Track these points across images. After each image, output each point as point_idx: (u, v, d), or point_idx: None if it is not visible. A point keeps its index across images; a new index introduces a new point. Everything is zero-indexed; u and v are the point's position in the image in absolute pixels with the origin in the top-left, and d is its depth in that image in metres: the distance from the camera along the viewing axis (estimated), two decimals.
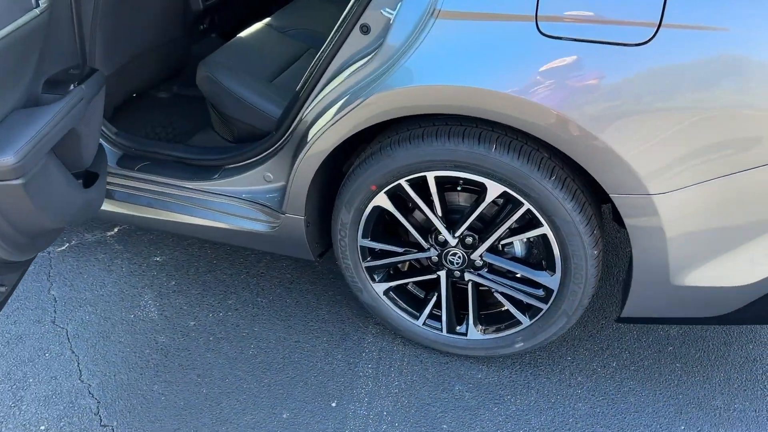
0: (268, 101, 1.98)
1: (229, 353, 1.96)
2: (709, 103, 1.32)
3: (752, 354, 1.94)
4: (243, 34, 2.36)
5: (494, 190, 1.56)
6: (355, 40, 1.57)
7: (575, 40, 1.33)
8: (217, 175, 1.96)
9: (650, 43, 1.29)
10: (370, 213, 1.72)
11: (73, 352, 1.96)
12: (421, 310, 1.87)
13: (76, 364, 1.93)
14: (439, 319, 1.86)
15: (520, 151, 1.50)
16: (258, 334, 2.02)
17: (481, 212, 1.64)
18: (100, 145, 1.91)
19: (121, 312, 2.10)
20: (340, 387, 1.86)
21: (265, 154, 1.86)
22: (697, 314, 1.62)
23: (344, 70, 1.60)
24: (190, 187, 1.98)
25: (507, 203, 1.63)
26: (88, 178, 1.70)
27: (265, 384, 1.87)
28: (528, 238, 1.70)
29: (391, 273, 1.89)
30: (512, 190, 1.54)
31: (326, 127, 1.60)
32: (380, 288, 1.86)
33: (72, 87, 1.50)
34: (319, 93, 1.66)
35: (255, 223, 1.91)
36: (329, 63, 1.63)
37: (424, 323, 1.88)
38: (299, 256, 1.96)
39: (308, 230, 1.85)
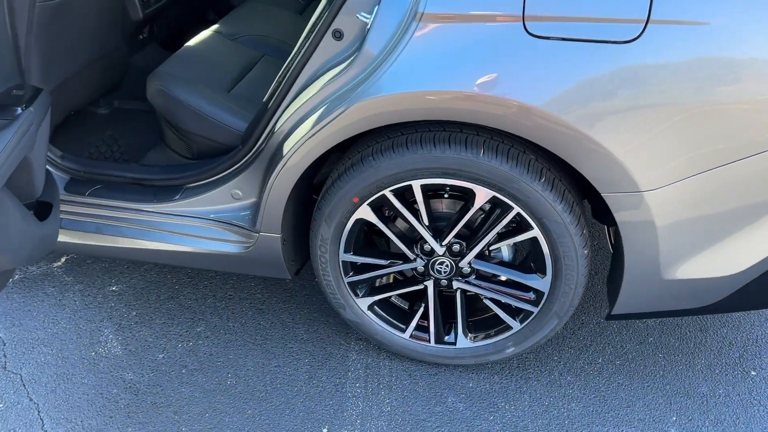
0: (230, 113, 1.86)
1: (205, 386, 1.83)
2: (696, 97, 1.32)
3: (727, 338, 1.98)
4: (191, 42, 2.22)
5: (483, 195, 1.51)
6: (328, 47, 1.48)
7: (564, 39, 1.30)
8: (178, 196, 1.83)
9: (639, 39, 1.28)
10: (352, 226, 1.64)
11: (31, 400, 1.78)
12: (407, 322, 1.81)
13: (36, 413, 1.75)
14: (426, 330, 1.80)
15: (508, 154, 1.46)
16: (234, 361, 1.90)
17: (469, 219, 1.59)
18: (47, 170, 1.74)
19: (80, 350, 1.93)
20: (329, 411, 1.77)
21: (231, 170, 1.75)
22: (686, 306, 1.63)
23: (318, 78, 1.52)
24: (150, 210, 1.84)
25: (495, 208, 1.59)
26: (41, 208, 1.54)
27: (249, 416, 1.76)
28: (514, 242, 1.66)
29: (374, 287, 1.82)
30: (502, 195, 1.50)
31: (304, 138, 1.51)
32: (364, 303, 1.79)
33: (19, 110, 1.35)
34: (290, 103, 1.57)
35: (225, 245, 1.80)
36: (300, 71, 1.54)
37: (410, 336, 1.81)
38: (273, 275, 1.86)
39: (284, 248, 1.75)
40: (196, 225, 1.81)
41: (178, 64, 2.07)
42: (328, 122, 1.46)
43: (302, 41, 1.56)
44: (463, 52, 1.34)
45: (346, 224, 1.64)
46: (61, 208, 1.89)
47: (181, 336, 1.98)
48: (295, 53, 1.56)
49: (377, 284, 1.83)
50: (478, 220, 1.65)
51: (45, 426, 1.72)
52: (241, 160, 1.72)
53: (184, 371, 1.87)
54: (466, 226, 1.61)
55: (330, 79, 1.47)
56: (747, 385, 1.83)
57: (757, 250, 1.50)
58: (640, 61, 1.29)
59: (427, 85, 1.37)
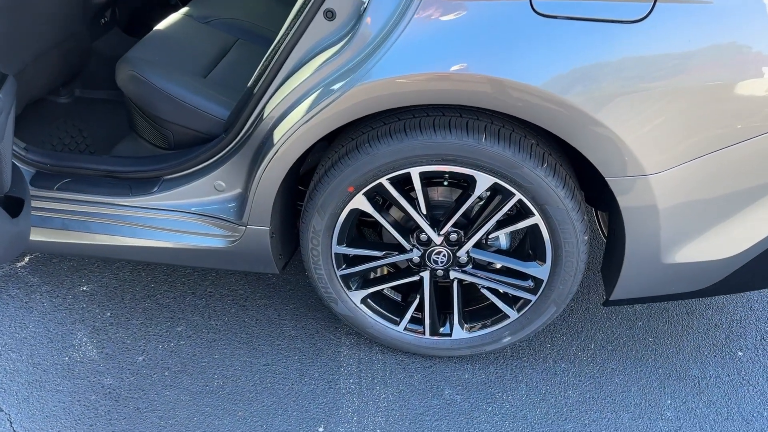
0: (210, 100, 1.76)
1: (191, 388, 1.74)
2: (701, 78, 1.30)
3: (713, 320, 2.00)
4: (161, 26, 2.10)
5: (484, 182, 1.47)
6: (319, 28, 1.41)
7: (571, 18, 1.26)
8: (156, 188, 1.72)
9: (647, 19, 1.25)
10: (346, 217, 1.57)
11: (2, 410, 1.66)
12: (401, 315, 1.75)
13: (8, 424, 1.63)
14: (420, 322, 1.75)
15: (511, 139, 1.41)
16: (220, 361, 1.81)
17: (467, 207, 1.54)
18: (13, 163, 1.61)
19: (52, 355, 1.81)
20: (323, 409, 1.70)
21: (213, 160, 1.66)
22: (684, 289, 1.63)
23: (309, 61, 1.44)
24: (126, 204, 1.73)
25: (495, 195, 1.55)
26: (11, 204, 1.42)
27: (240, 418, 1.67)
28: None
29: (367, 279, 1.75)
30: (503, 181, 1.45)
31: (297, 125, 1.43)
32: (357, 296, 1.72)
33: None
34: (279, 88, 1.48)
35: (208, 239, 1.70)
36: (288, 54, 1.46)
37: (405, 328, 1.76)
38: (260, 270, 1.77)
39: (273, 241, 1.67)
40: (177, 219, 1.71)
41: (148, 48, 1.95)
42: (324, 107, 1.39)
43: (290, 22, 1.47)
44: (467, 31, 1.29)
45: (340, 215, 1.57)
46: (39, 213, 1.76)
47: (161, 336, 1.88)
48: (283, 35, 1.47)
49: (371, 276, 1.76)
50: (477, 208, 1.61)
51: None
52: (225, 149, 1.63)
53: (167, 373, 1.77)
54: (464, 214, 1.57)
55: (323, 62, 1.39)
56: (735, 366, 1.85)
57: (755, 231, 1.50)
58: (648, 41, 1.26)
59: (429, 67, 1.31)
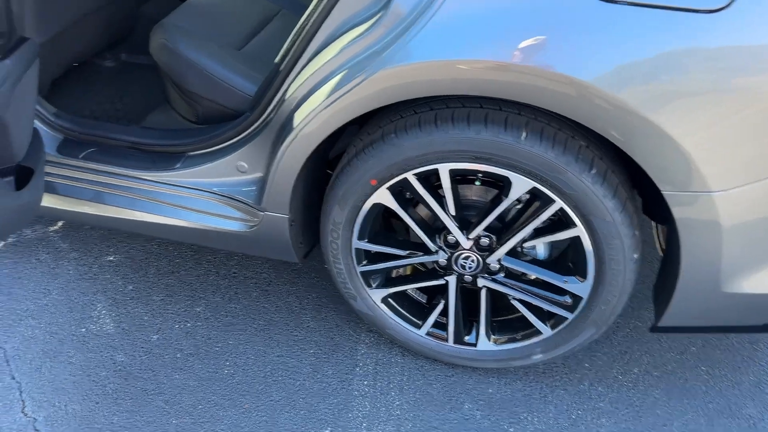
0: (239, 75, 1.67)
1: (200, 373, 1.68)
2: None
3: None
4: None
5: (521, 185, 1.31)
6: (350, 2, 1.27)
7: (636, 4, 1.07)
8: (179, 164, 1.65)
9: (728, 8, 1.05)
10: (368, 211, 1.45)
11: (14, 378, 1.65)
12: (424, 318, 1.63)
13: (18, 393, 1.62)
14: (444, 327, 1.62)
15: (555, 139, 1.25)
16: (233, 348, 1.75)
17: (501, 211, 1.39)
18: (36, 130, 1.57)
19: (70, 325, 1.79)
20: (333, 410, 1.61)
21: (237, 139, 1.57)
22: (744, 323, 1.43)
23: (336, 39, 1.31)
24: (147, 178, 1.66)
25: (533, 200, 1.39)
26: (21, 175, 1.38)
27: (246, 411, 1.60)
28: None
29: (389, 278, 1.64)
30: (543, 186, 1.29)
31: (318, 109, 1.31)
32: (377, 295, 1.61)
33: None
34: (304, 67, 1.36)
35: (228, 222, 1.62)
36: (317, 30, 1.33)
37: (427, 333, 1.64)
38: (278, 257, 1.68)
39: (292, 229, 1.57)
40: (198, 198, 1.64)
41: (185, 15, 1.87)
42: (346, 92, 1.26)
43: None
44: (516, 14, 1.12)
45: (362, 208, 1.45)
46: (55, 172, 1.73)
47: (178, 315, 1.83)
48: (312, 9, 1.35)
49: (393, 275, 1.64)
50: (512, 213, 1.45)
51: (26, 408, 1.59)
52: (249, 128, 1.54)
53: (179, 356, 1.72)
54: (498, 218, 1.42)
55: (350, 41, 1.26)
56: None
57: None
58: (727, 35, 1.06)
59: (466, 53, 1.15)
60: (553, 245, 1.53)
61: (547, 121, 1.26)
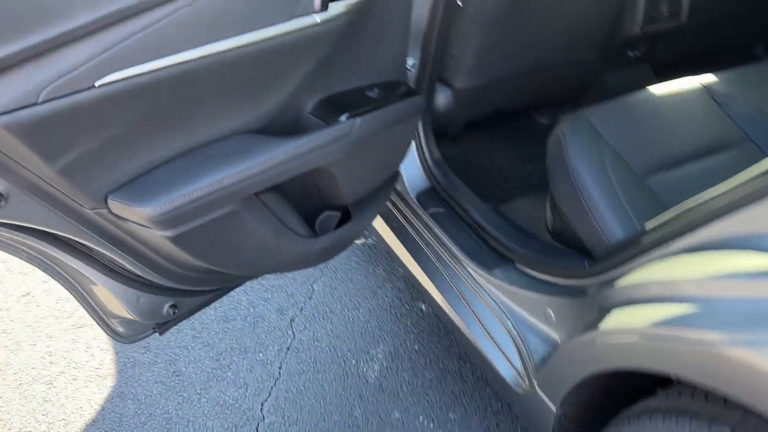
0: (617, 211, 1.29)
1: None
2: None
3: None
4: (657, 88, 1.63)
5: None
6: None
7: None
8: (499, 270, 1.42)
9: None
10: None
11: (280, 368, 1.76)
12: None
13: (272, 384, 1.73)
14: None
15: None
16: None
17: None
18: (394, 176, 1.53)
19: (347, 350, 1.81)
20: None
21: (566, 283, 1.24)
22: None
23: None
24: (470, 270, 1.48)
25: None
26: (341, 216, 1.37)
27: None
28: None
29: None
30: None
31: (628, 333, 0.89)
32: None
33: (343, 118, 1.14)
34: (670, 256, 0.93)
35: (504, 364, 1.33)
36: (735, 209, 0.87)
37: None
38: None
39: (559, 423, 1.19)
40: (493, 316, 1.39)
41: (613, 112, 1.54)
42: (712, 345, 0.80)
43: None
44: None
45: None
46: (399, 217, 1.71)
47: (431, 408, 1.65)
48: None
49: None
50: None
51: (265, 404, 1.68)
52: (580, 278, 1.19)
53: None
54: None
55: None
56: None
57: None
58: None
59: None
60: None
61: None
